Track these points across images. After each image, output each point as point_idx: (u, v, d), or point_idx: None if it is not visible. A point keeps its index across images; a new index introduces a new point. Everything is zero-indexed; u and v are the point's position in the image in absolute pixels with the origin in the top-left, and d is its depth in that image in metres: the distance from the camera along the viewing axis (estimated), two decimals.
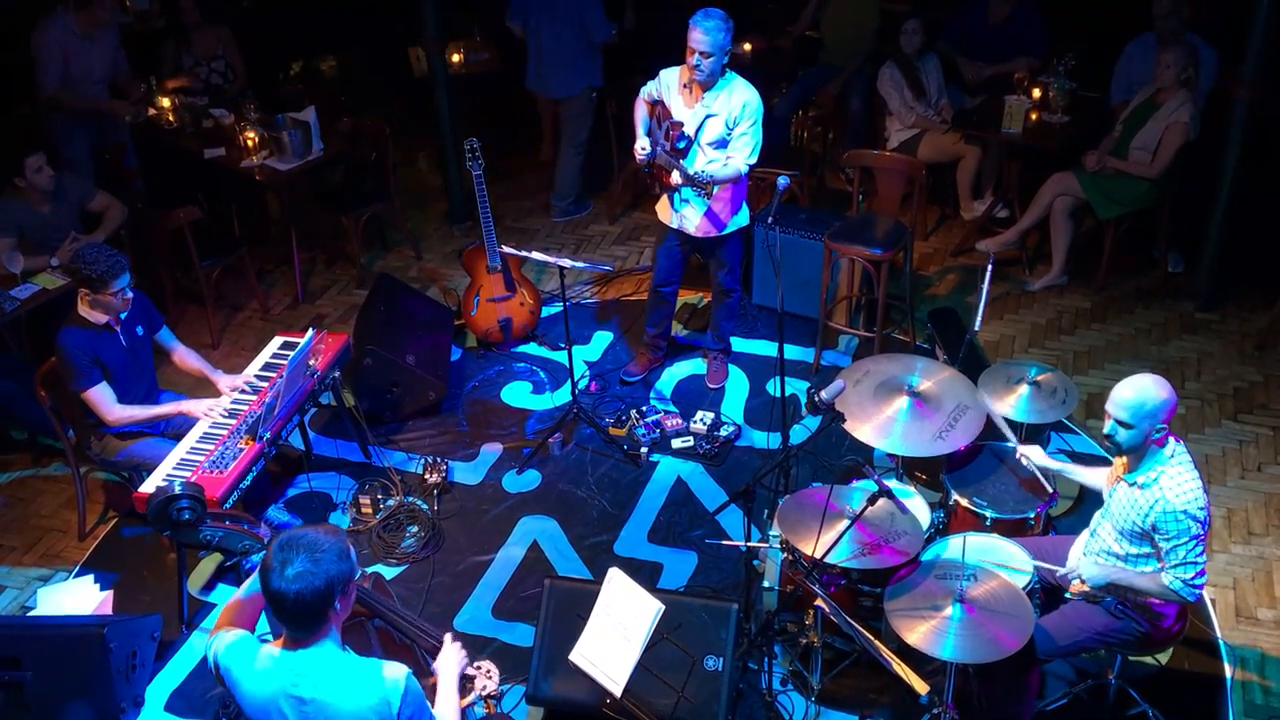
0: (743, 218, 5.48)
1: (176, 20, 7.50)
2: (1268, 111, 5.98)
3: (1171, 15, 6.34)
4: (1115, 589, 3.76)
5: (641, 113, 5.44)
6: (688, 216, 5.41)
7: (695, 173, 5.14)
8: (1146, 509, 3.57)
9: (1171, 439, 3.60)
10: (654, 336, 6.01)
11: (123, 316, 4.73)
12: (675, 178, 5.23)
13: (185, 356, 5.08)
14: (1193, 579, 3.57)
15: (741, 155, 5.20)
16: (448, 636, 3.31)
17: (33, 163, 5.64)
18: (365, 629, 3.52)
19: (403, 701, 2.77)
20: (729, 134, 5.17)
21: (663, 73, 5.34)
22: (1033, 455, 4.18)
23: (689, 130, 5.19)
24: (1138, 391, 3.52)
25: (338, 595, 2.71)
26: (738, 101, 5.13)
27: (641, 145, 5.33)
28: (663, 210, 5.54)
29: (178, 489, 3.35)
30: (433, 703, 3.06)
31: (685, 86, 5.21)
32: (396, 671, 2.80)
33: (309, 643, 2.76)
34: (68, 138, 6.46)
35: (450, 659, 3.22)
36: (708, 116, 5.17)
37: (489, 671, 3.43)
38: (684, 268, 5.76)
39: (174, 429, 4.82)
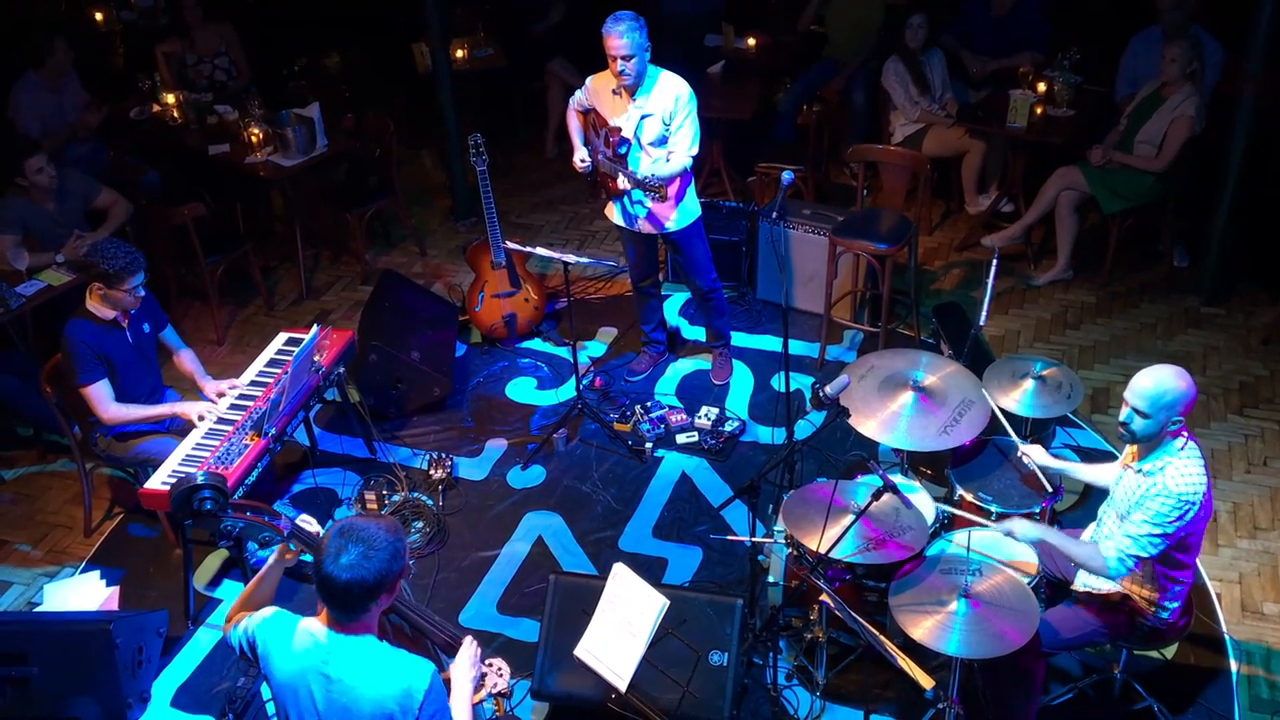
0: (692, 208, 5.41)
1: (179, 18, 7.50)
2: (1273, 105, 5.96)
3: (1176, 9, 6.33)
4: (1044, 549, 3.77)
5: (575, 123, 5.41)
6: (637, 216, 5.40)
7: (644, 177, 5.10)
8: (1146, 489, 3.55)
9: (1185, 434, 3.59)
10: (649, 333, 6.01)
11: (132, 314, 4.74)
12: (622, 182, 5.19)
13: (183, 359, 5.08)
14: (1130, 555, 3.53)
15: (683, 148, 5.16)
16: (468, 639, 3.32)
17: (33, 164, 5.63)
18: (382, 623, 3.53)
19: (426, 696, 2.80)
20: (667, 129, 5.14)
21: (588, 80, 5.31)
22: (1034, 455, 4.17)
23: (627, 134, 5.16)
24: (1157, 382, 3.51)
25: (383, 591, 2.78)
26: (669, 95, 5.09)
27: (581, 157, 5.30)
28: (610, 213, 5.53)
29: (201, 479, 3.39)
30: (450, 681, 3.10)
31: (614, 91, 5.16)
32: (424, 666, 2.84)
33: (350, 628, 2.81)
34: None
35: (465, 661, 3.22)
36: (643, 117, 5.13)
37: (500, 669, 3.43)
38: (654, 260, 5.75)
39: (180, 427, 4.82)
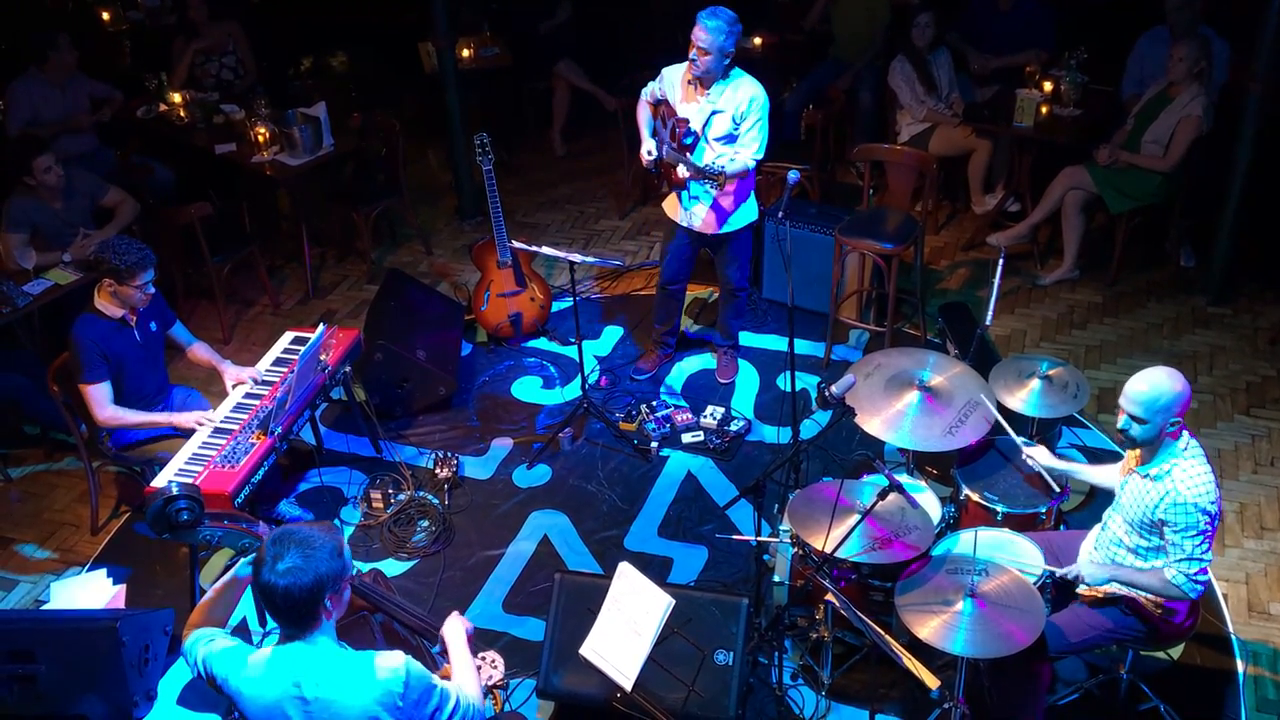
0: (750, 212, 5.46)
1: (185, 16, 7.52)
2: None
3: (1184, 8, 6.31)
4: (1117, 586, 3.75)
5: (645, 115, 5.43)
6: (695, 213, 5.40)
7: (705, 166, 5.12)
8: (1157, 500, 3.56)
9: (1185, 433, 3.59)
10: (662, 333, 6.01)
11: (139, 312, 4.74)
12: (682, 171, 5.21)
13: (197, 350, 5.09)
14: (1196, 574, 3.56)
15: (749, 150, 5.19)
16: (454, 614, 3.28)
17: (41, 163, 5.64)
18: (369, 624, 3.52)
19: (406, 688, 2.76)
20: (736, 129, 5.16)
21: (665, 70, 5.34)
22: (1039, 456, 4.16)
23: (695, 126, 5.18)
24: (1151, 386, 3.51)
25: (327, 593, 2.71)
26: (744, 96, 5.12)
27: (648, 149, 5.33)
28: (670, 207, 5.53)
29: (175, 489, 3.33)
30: (449, 676, 3.06)
31: (689, 83, 5.20)
32: (394, 660, 2.79)
33: (301, 637, 2.76)
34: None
35: (456, 629, 3.19)
36: (714, 113, 5.16)
37: (494, 661, 3.42)
38: (692, 265, 5.75)
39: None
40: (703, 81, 5.13)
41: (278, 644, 2.79)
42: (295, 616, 2.72)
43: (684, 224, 5.48)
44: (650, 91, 5.41)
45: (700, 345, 6.24)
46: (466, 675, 3.03)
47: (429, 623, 3.50)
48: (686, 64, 5.16)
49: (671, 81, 5.29)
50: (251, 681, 2.79)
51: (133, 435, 4.85)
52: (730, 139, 5.19)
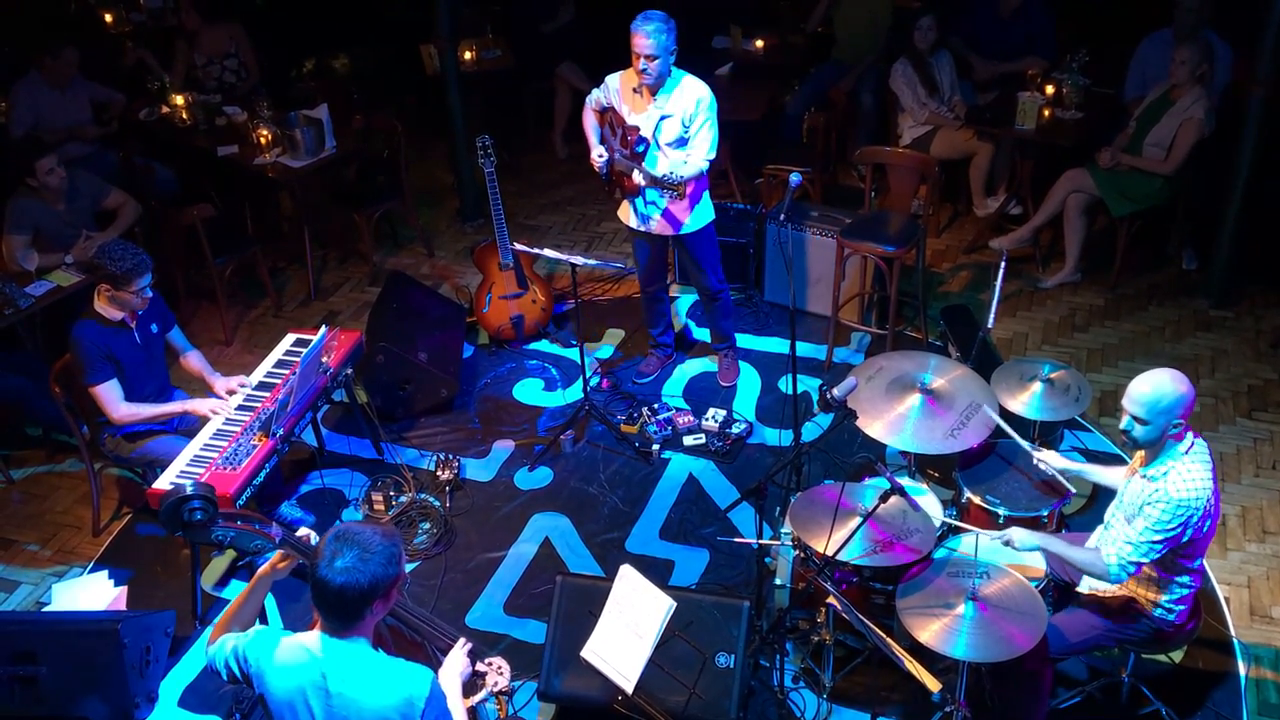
0: (706, 212, 5.41)
1: (179, 20, 7.53)
2: None
3: (1192, 10, 6.30)
4: (1046, 555, 3.81)
5: (591, 121, 5.41)
6: (651, 218, 5.39)
7: (663, 175, 5.10)
8: (1148, 495, 3.54)
9: (1191, 434, 3.57)
10: (658, 337, 6.01)
11: (139, 314, 4.75)
12: (637, 178, 5.19)
13: (191, 359, 5.09)
14: (1130, 562, 3.54)
15: (700, 151, 5.16)
16: (460, 641, 3.31)
17: (44, 164, 5.65)
18: (377, 626, 3.52)
19: (427, 704, 2.78)
20: (686, 132, 5.15)
21: (608, 79, 5.32)
22: (1049, 459, 4.16)
23: (645, 134, 5.17)
24: (1154, 387, 3.50)
25: (378, 597, 2.75)
26: (690, 98, 5.09)
27: (599, 153, 5.30)
28: (624, 213, 5.52)
29: (189, 489, 3.35)
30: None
31: (635, 90, 5.17)
32: (423, 675, 2.82)
33: (343, 634, 2.80)
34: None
35: (454, 665, 3.21)
36: (662, 118, 5.13)
37: (500, 668, 3.42)
38: (664, 265, 5.75)
39: (187, 426, 4.84)
40: (649, 88, 5.11)
41: (321, 630, 2.82)
42: (342, 613, 2.76)
43: (641, 228, 5.46)
44: (595, 99, 5.38)
45: (701, 347, 6.23)
46: (455, 713, 3.04)
47: (438, 628, 3.50)
48: (628, 71, 5.14)
49: (615, 89, 5.27)
50: (281, 665, 2.83)
51: (127, 426, 4.85)
52: (682, 143, 5.17)
